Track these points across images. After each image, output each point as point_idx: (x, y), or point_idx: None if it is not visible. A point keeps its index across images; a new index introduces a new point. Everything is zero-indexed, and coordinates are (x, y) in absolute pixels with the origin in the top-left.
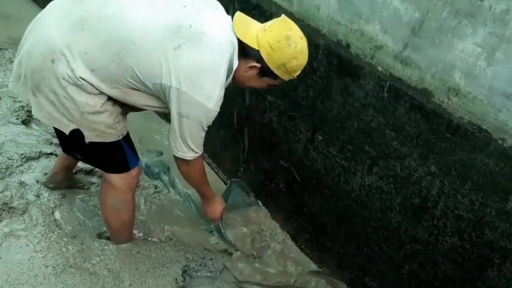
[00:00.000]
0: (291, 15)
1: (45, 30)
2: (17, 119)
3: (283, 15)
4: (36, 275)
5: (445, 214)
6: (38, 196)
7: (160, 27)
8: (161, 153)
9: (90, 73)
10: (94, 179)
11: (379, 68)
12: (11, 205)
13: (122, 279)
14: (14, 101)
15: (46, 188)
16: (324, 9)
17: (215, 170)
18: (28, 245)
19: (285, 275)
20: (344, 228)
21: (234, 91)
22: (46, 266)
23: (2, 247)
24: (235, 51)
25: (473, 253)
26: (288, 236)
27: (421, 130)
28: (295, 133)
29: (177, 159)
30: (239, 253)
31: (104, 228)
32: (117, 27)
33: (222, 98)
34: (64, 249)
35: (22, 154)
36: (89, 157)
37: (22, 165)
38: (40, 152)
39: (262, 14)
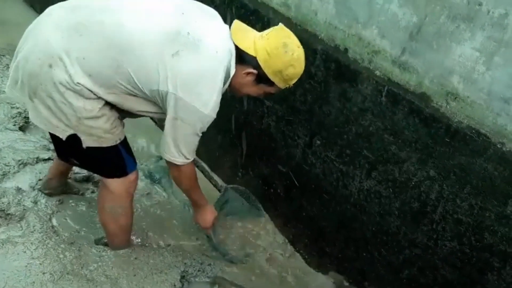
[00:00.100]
0: (288, 20)
1: (42, 35)
2: (14, 125)
3: (280, 23)
4: (34, 282)
5: (444, 218)
6: (35, 202)
7: (158, 34)
8: (161, 158)
9: (87, 78)
10: (90, 186)
11: (377, 72)
12: (8, 212)
13: (120, 286)
14: (12, 107)
15: (43, 195)
16: (321, 14)
17: (208, 177)
18: (25, 252)
19: (283, 280)
20: (343, 233)
21: (232, 96)
22: (44, 273)
23: None
24: (232, 58)
25: (473, 257)
26: (286, 241)
27: (419, 134)
28: (293, 138)
29: (169, 164)
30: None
31: (102, 234)
32: (115, 33)
33: (219, 104)
34: (61, 256)
35: (19, 161)
36: (86, 162)
37: (19, 171)
38: (37, 158)
39: (260, 20)
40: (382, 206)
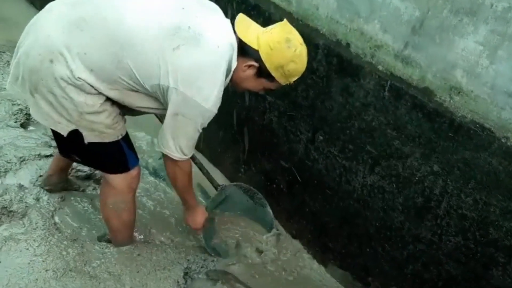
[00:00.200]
0: (289, 15)
1: (43, 31)
2: (15, 122)
3: (285, 19)
4: (36, 279)
5: (449, 214)
6: (37, 199)
7: (159, 29)
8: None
9: (89, 73)
10: (91, 183)
11: (380, 67)
12: (11, 209)
13: (123, 282)
14: (13, 104)
15: (45, 192)
16: (323, 8)
17: (206, 174)
18: (28, 249)
19: (286, 277)
20: (346, 228)
21: (233, 92)
22: (46, 270)
23: (2, 251)
24: (234, 52)
25: (477, 252)
26: (290, 236)
27: (423, 129)
28: (295, 134)
29: (165, 158)
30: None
31: (105, 231)
32: (116, 29)
33: (220, 99)
34: (64, 253)
35: (21, 157)
36: (88, 158)
37: (21, 168)
38: (39, 155)
39: (261, 15)
40: (385, 202)
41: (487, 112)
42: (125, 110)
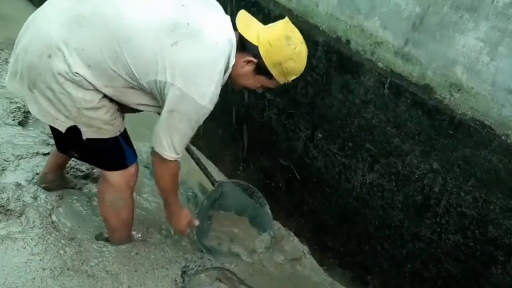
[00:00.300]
0: (289, 12)
1: (42, 26)
2: (13, 120)
3: (286, 17)
4: (34, 278)
5: (448, 212)
6: (35, 198)
7: (157, 25)
8: None
9: (86, 69)
10: (89, 182)
11: (380, 64)
12: (8, 208)
13: (121, 281)
14: (11, 102)
15: (43, 190)
16: (323, 5)
17: (203, 169)
18: (25, 247)
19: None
20: (345, 227)
21: (232, 89)
22: (44, 269)
23: None
24: (232, 50)
25: (477, 250)
26: (289, 235)
27: (422, 126)
28: (294, 131)
29: (154, 157)
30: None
31: (102, 230)
32: (115, 24)
33: (218, 96)
34: (61, 252)
35: (18, 156)
36: (86, 154)
37: (18, 166)
38: (36, 153)
39: (260, 11)
40: (385, 200)
41: (488, 109)
42: (123, 108)
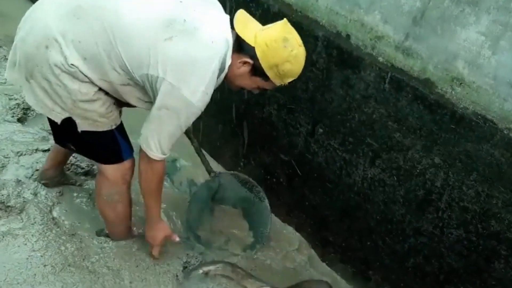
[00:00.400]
0: (289, 7)
1: (40, 18)
2: (12, 117)
3: (285, 19)
4: (35, 275)
5: (450, 206)
6: (35, 194)
7: (154, 19)
8: (174, 160)
9: (82, 61)
10: (89, 178)
11: (380, 59)
12: (8, 204)
13: (123, 277)
14: (10, 98)
15: (43, 186)
16: None
17: (202, 158)
18: (26, 244)
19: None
20: (347, 222)
21: None
22: (45, 265)
23: (0, 246)
24: (229, 50)
25: (479, 245)
26: (291, 229)
27: (424, 121)
28: (295, 127)
29: (141, 154)
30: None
31: (103, 226)
32: (112, 17)
33: (209, 96)
34: (62, 248)
35: (18, 152)
36: (81, 147)
37: (18, 163)
38: (36, 149)
39: (259, 7)
40: (386, 195)
41: (489, 103)
42: (121, 103)
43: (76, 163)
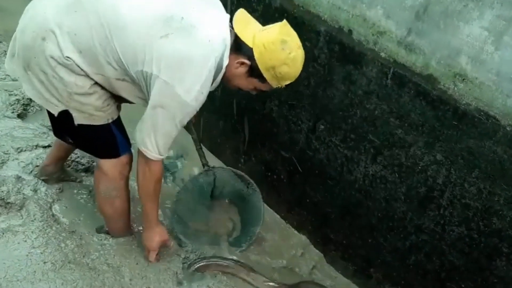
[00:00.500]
0: (291, 2)
1: (40, 9)
2: (12, 112)
3: (284, 20)
4: (35, 271)
5: (452, 203)
6: (35, 191)
7: (151, 15)
8: (177, 158)
9: (78, 54)
10: (89, 175)
11: (382, 54)
12: (8, 201)
13: (123, 274)
14: (10, 94)
15: (43, 183)
16: None
17: (199, 151)
18: (26, 241)
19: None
20: (348, 219)
21: None
22: (45, 262)
23: (0, 243)
24: (226, 50)
25: (481, 242)
26: (291, 226)
27: (426, 117)
28: (296, 123)
29: (139, 155)
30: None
31: (103, 223)
32: (110, 12)
33: (205, 96)
34: (62, 245)
35: (18, 148)
36: (79, 140)
37: (18, 159)
38: (36, 145)
39: (261, 2)
40: (388, 192)
41: (492, 100)
42: (119, 98)
43: (77, 160)
